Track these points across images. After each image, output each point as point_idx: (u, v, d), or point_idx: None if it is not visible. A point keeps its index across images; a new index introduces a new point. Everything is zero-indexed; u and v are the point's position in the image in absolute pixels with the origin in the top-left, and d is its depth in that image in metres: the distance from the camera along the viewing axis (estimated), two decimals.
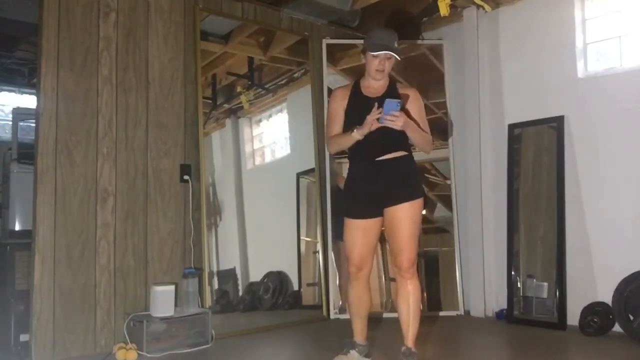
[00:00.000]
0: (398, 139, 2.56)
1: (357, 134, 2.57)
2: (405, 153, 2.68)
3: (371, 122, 2.50)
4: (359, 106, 2.67)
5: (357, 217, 2.69)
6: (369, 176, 2.66)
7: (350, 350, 2.76)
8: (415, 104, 2.71)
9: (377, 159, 2.64)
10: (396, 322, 2.72)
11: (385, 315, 4.00)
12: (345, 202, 2.78)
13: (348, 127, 2.69)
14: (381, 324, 3.75)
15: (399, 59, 2.63)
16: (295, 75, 4.35)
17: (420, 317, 2.68)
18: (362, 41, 4.45)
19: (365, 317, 2.81)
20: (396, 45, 2.63)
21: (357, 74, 4.27)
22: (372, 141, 2.58)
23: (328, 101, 2.93)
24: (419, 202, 2.67)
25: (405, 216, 2.62)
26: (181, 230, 3.55)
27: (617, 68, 3.66)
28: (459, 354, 3.14)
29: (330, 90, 4.29)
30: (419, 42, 4.48)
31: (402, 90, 2.73)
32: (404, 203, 2.62)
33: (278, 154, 4.33)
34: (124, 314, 3.23)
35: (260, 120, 4.33)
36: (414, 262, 2.65)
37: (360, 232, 2.69)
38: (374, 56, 2.61)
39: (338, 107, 2.75)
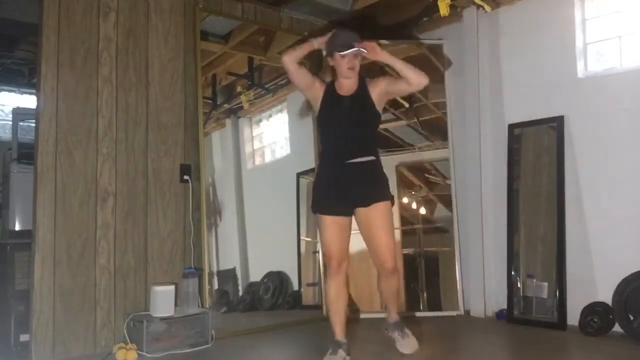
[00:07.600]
0: (367, 143, 2.65)
1: (314, 42, 2.78)
2: (373, 158, 2.78)
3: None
4: (334, 104, 2.80)
5: (333, 214, 2.77)
6: (339, 177, 2.75)
7: (338, 350, 2.79)
8: (382, 79, 2.85)
9: (347, 161, 2.73)
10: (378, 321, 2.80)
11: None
12: (319, 201, 2.84)
13: (322, 123, 2.86)
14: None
15: (365, 51, 2.73)
16: None
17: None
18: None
19: (344, 314, 2.87)
20: (359, 40, 2.74)
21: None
22: (342, 144, 2.73)
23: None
24: (389, 203, 2.78)
25: (380, 216, 2.73)
26: (181, 230, 3.55)
27: (617, 68, 3.66)
28: (459, 354, 3.13)
29: None
30: (420, 42, 4.48)
31: (370, 83, 2.85)
32: (377, 202, 2.73)
33: (278, 154, 4.33)
34: (124, 314, 3.23)
35: (260, 120, 4.33)
36: (396, 261, 2.78)
37: (337, 227, 2.78)
38: (342, 56, 2.73)
39: (315, 78, 2.86)
